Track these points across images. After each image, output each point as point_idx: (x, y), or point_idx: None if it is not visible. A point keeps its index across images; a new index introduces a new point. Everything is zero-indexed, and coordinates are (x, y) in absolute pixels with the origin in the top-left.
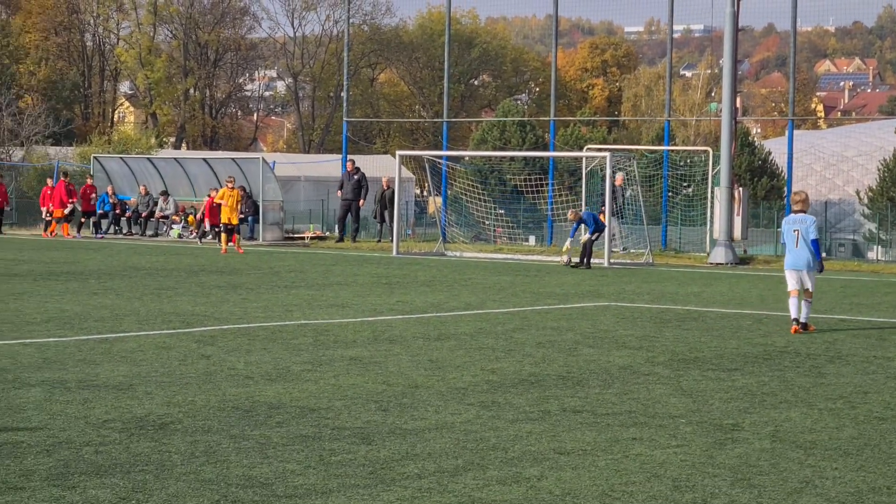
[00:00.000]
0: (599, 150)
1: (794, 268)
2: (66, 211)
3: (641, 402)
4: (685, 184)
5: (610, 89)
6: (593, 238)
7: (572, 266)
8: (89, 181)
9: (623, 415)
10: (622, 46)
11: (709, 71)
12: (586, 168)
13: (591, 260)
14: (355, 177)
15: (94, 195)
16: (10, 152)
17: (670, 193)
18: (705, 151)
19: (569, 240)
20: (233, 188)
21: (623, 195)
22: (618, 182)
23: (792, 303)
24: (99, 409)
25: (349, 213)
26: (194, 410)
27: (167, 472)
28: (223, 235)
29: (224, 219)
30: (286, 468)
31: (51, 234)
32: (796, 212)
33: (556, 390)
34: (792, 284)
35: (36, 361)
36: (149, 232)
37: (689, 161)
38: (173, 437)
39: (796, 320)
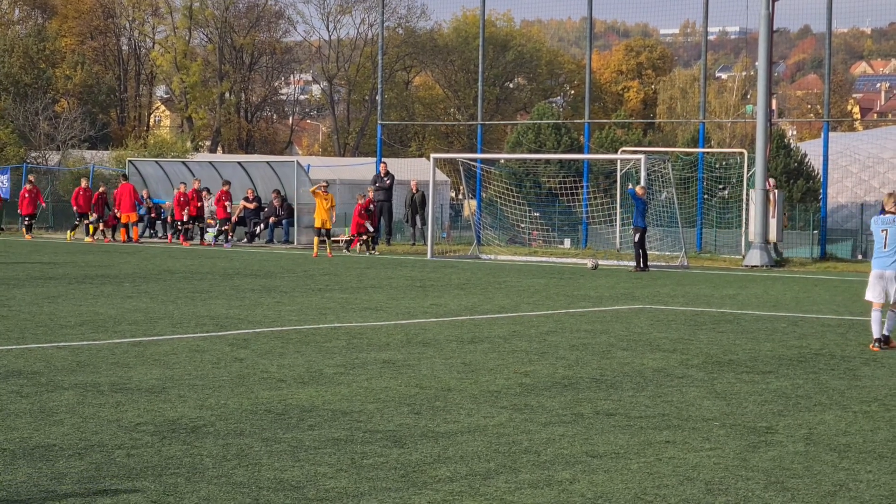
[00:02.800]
0: (634, 152)
1: (881, 268)
2: (141, 214)
3: (675, 405)
4: (720, 186)
5: (645, 91)
6: (637, 240)
7: (641, 270)
8: (196, 184)
9: (656, 418)
10: (657, 48)
11: (744, 73)
12: (621, 170)
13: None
14: (387, 180)
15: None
16: (47, 156)
17: (705, 196)
18: (741, 153)
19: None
20: (326, 192)
21: (649, 201)
22: (639, 193)
23: (874, 317)
24: (131, 412)
25: (382, 216)
26: (226, 413)
27: (199, 476)
28: (316, 239)
29: (318, 223)
30: (318, 471)
31: (119, 238)
32: (889, 212)
33: (590, 393)
34: (874, 295)
35: (69, 365)
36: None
37: (724, 163)
38: (205, 440)
39: (878, 340)
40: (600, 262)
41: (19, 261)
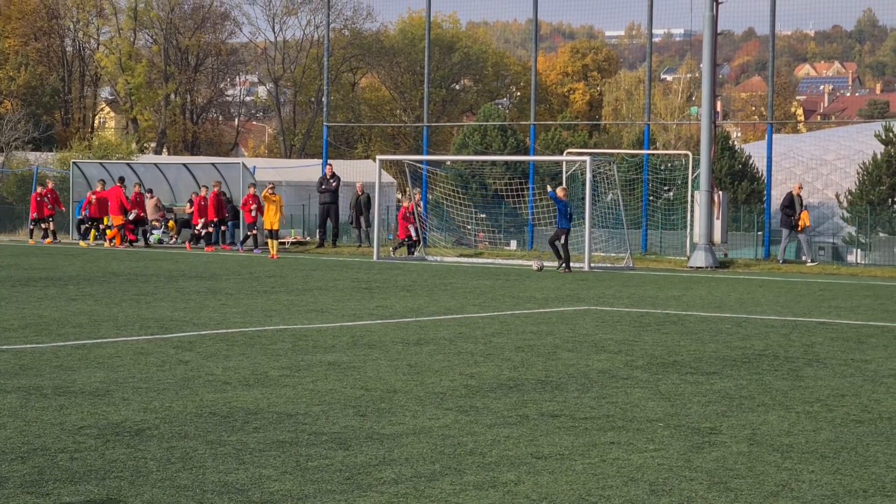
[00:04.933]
0: (580, 154)
1: None
2: (130, 218)
3: (620, 407)
4: (665, 188)
5: (591, 93)
6: (562, 242)
7: (566, 271)
8: (137, 188)
9: (601, 419)
10: (603, 50)
11: (689, 75)
12: (567, 172)
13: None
14: (333, 182)
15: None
16: None
17: (651, 197)
18: (685, 155)
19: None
20: (273, 194)
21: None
22: (560, 194)
23: None
24: (75, 415)
25: (329, 218)
26: (171, 416)
27: (143, 479)
28: (270, 241)
29: (267, 225)
30: (262, 474)
31: (110, 241)
32: None
33: (535, 395)
34: None
35: (12, 368)
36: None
37: (669, 165)
38: (149, 443)
39: None
40: (546, 263)
41: None
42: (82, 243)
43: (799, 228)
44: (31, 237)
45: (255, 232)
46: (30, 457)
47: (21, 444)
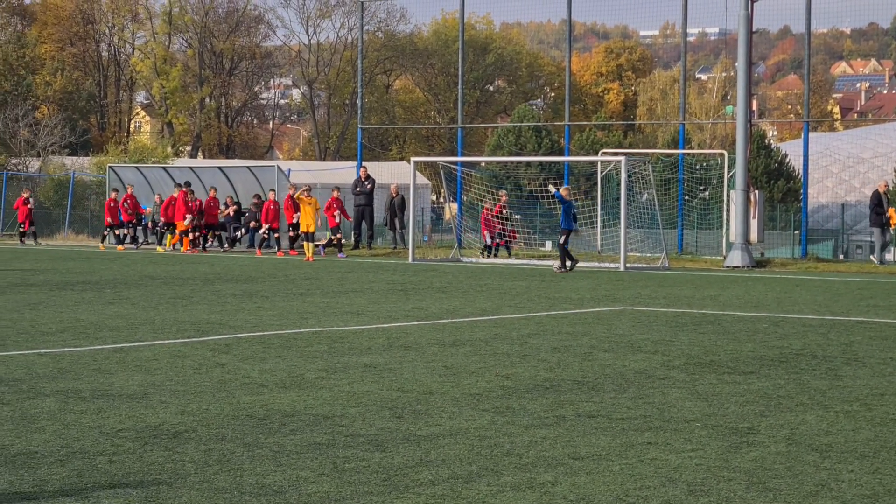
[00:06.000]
0: (615, 154)
1: None
2: (186, 223)
3: (656, 407)
4: (701, 187)
5: (625, 93)
6: (561, 242)
7: (560, 271)
8: (212, 193)
9: (638, 419)
10: (637, 50)
11: (724, 74)
12: (602, 172)
13: (569, 262)
14: (367, 184)
15: (220, 208)
16: (27, 163)
17: (686, 197)
18: (721, 154)
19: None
20: (309, 196)
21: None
22: (564, 194)
23: None
24: (113, 418)
25: (363, 220)
26: (208, 419)
27: (181, 481)
28: (306, 244)
29: (303, 227)
30: (300, 476)
31: (171, 246)
32: None
33: (571, 395)
34: None
35: (51, 371)
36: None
37: (704, 164)
38: (187, 445)
39: None
40: (581, 263)
41: (0, 268)
42: (159, 248)
43: (891, 225)
44: (102, 242)
45: (291, 234)
46: (69, 460)
47: (60, 447)
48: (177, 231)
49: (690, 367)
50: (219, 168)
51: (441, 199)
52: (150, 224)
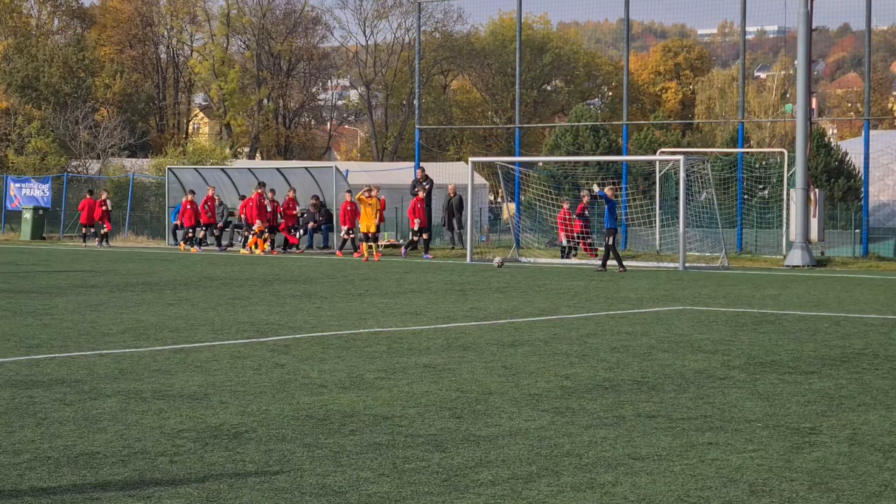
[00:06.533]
0: (673, 153)
1: None
2: (266, 227)
3: (717, 407)
4: (760, 186)
5: (683, 92)
6: (609, 242)
7: (598, 270)
8: (291, 194)
9: (698, 419)
10: (695, 49)
11: (783, 72)
12: (660, 172)
13: (609, 261)
14: (425, 184)
15: (297, 208)
16: (87, 165)
17: (745, 196)
18: (780, 153)
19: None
20: (370, 197)
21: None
22: (609, 194)
23: None
24: (173, 419)
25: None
26: (268, 419)
27: (241, 482)
28: (363, 244)
29: (363, 228)
30: (360, 476)
31: (250, 249)
32: None
33: (631, 395)
34: None
35: (112, 372)
36: (223, 242)
37: (764, 163)
38: (247, 446)
39: None
40: (640, 263)
41: (61, 269)
42: (242, 251)
43: None
44: (184, 243)
45: (352, 235)
46: (130, 460)
47: (122, 447)
48: (254, 231)
49: (751, 367)
50: (277, 169)
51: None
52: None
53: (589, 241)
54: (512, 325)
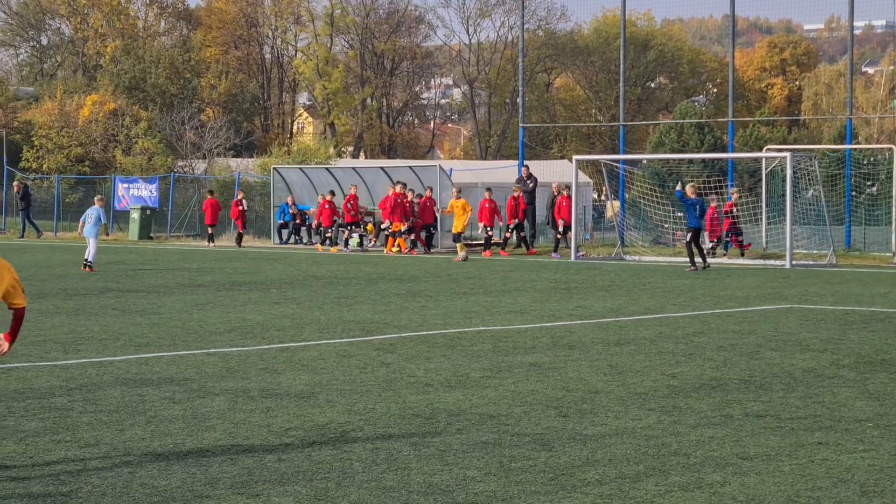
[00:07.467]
0: (780, 150)
1: None
2: (405, 227)
3: (826, 406)
4: (869, 183)
5: (789, 88)
6: (689, 240)
7: (703, 268)
8: (428, 192)
9: (808, 419)
10: (801, 44)
11: (892, 67)
12: (766, 169)
13: (699, 260)
14: (530, 183)
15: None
16: (193, 165)
17: (854, 193)
18: (889, 149)
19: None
20: (458, 198)
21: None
22: (689, 193)
23: None
24: (281, 417)
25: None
26: (375, 418)
27: (349, 480)
28: (459, 244)
29: (454, 228)
30: (467, 475)
31: (391, 248)
32: None
33: (739, 395)
34: None
35: (220, 371)
36: (327, 242)
37: (872, 160)
38: (354, 444)
39: None
40: (746, 260)
41: (168, 268)
42: (320, 248)
43: None
44: (321, 244)
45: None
46: (239, 458)
47: (230, 445)
48: (392, 231)
49: (861, 366)
50: (381, 168)
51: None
52: (313, 224)
53: (740, 238)
54: (617, 323)
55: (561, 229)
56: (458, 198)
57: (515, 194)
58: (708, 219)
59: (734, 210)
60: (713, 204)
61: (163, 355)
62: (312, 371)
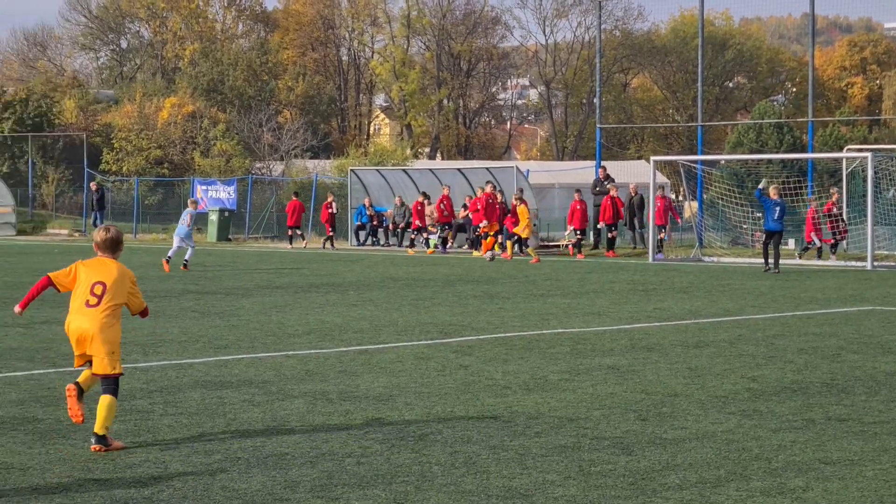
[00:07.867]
0: (860, 150)
1: None
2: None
3: None
4: None
5: (870, 87)
6: (766, 241)
7: (775, 272)
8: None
9: (891, 423)
10: (882, 43)
11: None
12: (847, 169)
13: (771, 261)
14: (607, 184)
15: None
16: (271, 167)
17: None
18: None
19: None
20: (520, 203)
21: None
22: (772, 195)
23: None
24: (360, 420)
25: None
26: (453, 421)
27: (428, 484)
28: (509, 244)
29: (519, 231)
30: (546, 479)
31: (489, 250)
32: None
33: (821, 398)
34: None
35: (298, 373)
36: (405, 242)
37: None
38: (433, 447)
39: None
40: (826, 262)
41: (246, 270)
42: (410, 251)
43: None
44: (411, 246)
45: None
46: (318, 461)
47: (309, 448)
48: (486, 233)
49: None
50: (458, 169)
51: (681, 198)
52: (391, 225)
53: (835, 240)
54: (696, 325)
55: (660, 230)
56: (522, 200)
57: (613, 193)
58: (808, 221)
59: (834, 210)
60: (812, 206)
61: (242, 357)
62: (390, 374)
